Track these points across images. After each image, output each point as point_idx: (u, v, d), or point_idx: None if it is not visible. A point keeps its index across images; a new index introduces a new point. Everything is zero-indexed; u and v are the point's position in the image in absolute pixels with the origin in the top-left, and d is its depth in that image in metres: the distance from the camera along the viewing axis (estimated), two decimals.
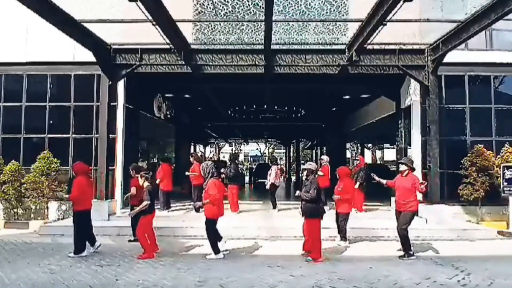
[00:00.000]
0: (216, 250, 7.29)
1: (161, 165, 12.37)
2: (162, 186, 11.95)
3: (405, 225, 7.33)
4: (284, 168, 36.00)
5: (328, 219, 9.02)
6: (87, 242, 7.53)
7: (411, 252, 7.38)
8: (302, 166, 7.86)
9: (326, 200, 11.08)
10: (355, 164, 12.48)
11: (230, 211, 11.45)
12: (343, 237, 8.44)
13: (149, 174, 7.69)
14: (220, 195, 7.34)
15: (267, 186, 12.40)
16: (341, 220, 8.40)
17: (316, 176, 7.89)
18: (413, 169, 7.67)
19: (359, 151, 31.34)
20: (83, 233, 7.50)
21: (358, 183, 11.58)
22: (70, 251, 7.46)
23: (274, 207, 12.19)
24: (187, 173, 12.24)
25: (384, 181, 7.95)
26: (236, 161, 12.66)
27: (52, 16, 8.51)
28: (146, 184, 7.51)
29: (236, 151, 49.85)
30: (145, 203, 7.25)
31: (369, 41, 9.35)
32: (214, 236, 7.30)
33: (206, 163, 7.65)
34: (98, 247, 7.69)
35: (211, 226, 7.25)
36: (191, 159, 12.69)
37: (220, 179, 7.71)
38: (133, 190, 8.25)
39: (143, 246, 7.34)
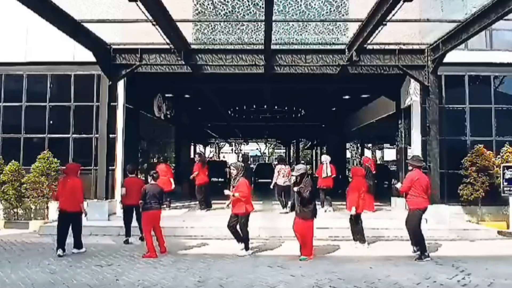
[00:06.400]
0: (247, 247, 7.51)
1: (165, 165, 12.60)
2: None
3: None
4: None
5: (329, 219, 9.01)
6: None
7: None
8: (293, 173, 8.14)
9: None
10: (362, 164, 12.37)
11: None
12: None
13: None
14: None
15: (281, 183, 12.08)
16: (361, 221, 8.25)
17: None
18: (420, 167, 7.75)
19: (359, 151, 31.27)
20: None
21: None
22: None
23: (285, 207, 11.97)
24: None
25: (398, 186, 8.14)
26: (247, 162, 12.83)
27: (52, 16, 8.51)
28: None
29: (240, 151, 49.88)
30: None
31: (369, 41, 9.34)
32: (247, 232, 7.50)
33: (237, 163, 8.26)
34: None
35: (246, 221, 7.49)
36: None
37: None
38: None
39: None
